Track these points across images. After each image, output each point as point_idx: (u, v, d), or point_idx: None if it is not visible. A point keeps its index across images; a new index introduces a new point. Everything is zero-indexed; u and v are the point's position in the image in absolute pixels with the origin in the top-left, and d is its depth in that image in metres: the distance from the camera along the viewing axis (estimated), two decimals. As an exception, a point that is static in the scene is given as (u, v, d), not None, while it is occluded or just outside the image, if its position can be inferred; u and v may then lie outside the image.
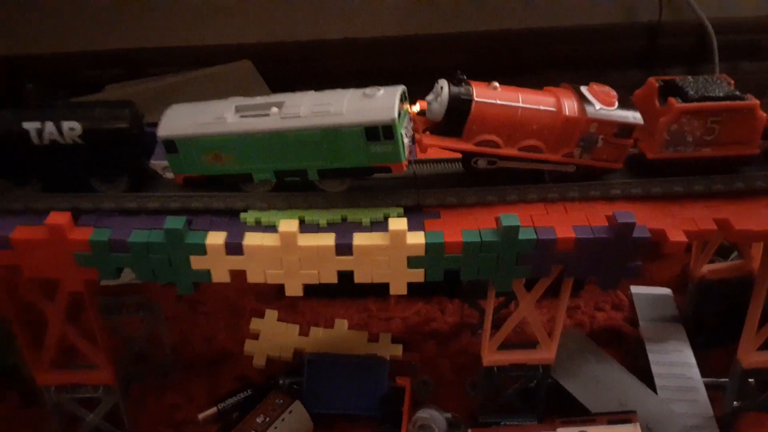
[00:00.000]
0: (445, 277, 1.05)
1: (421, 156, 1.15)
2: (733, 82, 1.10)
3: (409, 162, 1.15)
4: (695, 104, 1.05)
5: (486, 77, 1.08)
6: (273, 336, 1.50)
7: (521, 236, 1.00)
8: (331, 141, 1.00)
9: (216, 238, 1.01)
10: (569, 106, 1.05)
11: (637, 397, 1.29)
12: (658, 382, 1.34)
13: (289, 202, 1.06)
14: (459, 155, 1.10)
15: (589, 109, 1.04)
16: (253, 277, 1.04)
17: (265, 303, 1.62)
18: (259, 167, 1.04)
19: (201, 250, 1.01)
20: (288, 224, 1.01)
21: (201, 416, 1.35)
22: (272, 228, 1.03)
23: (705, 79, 1.10)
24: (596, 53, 2.21)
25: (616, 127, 1.05)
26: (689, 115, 1.05)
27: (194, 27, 2.06)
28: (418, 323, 1.57)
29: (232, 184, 1.07)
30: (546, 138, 1.05)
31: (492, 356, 1.22)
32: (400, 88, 1.01)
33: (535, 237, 1.00)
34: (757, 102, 1.06)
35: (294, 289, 1.06)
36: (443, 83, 1.04)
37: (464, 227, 1.03)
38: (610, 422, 1.18)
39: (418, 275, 1.04)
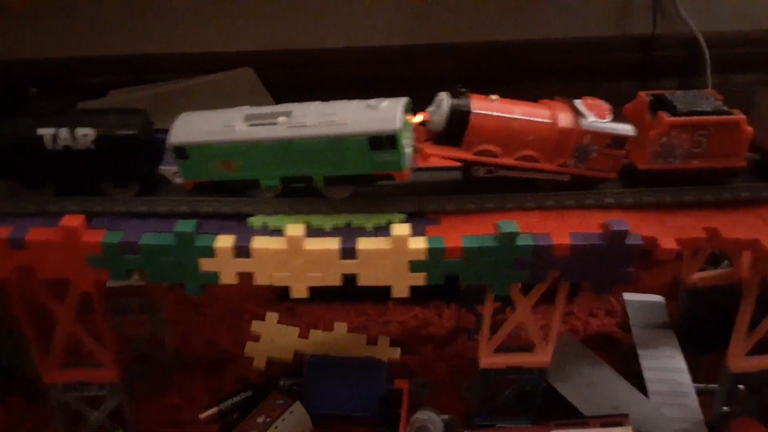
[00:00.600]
0: (443, 283, 1.08)
1: (422, 164, 1.19)
2: (721, 97, 1.14)
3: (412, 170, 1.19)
4: (684, 118, 1.09)
5: (483, 87, 1.12)
6: (273, 338, 1.53)
7: (519, 242, 1.03)
8: (336, 149, 1.03)
9: (225, 241, 1.04)
10: (564, 118, 1.09)
11: (629, 402, 1.32)
12: (649, 386, 1.37)
13: (295, 207, 1.10)
14: (459, 164, 1.14)
15: (582, 121, 1.08)
16: (260, 280, 1.07)
17: (266, 306, 1.65)
18: (266, 174, 1.08)
19: (210, 252, 1.04)
20: (294, 228, 1.04)
21: (202, 416, 1.37)
22: (279, 232, 1.06)
23: (694, 94, 1.14)
24: (590, 65, 2.24)
25: (609, 138, 1.09)
26: (678, 128, 1.10)
27: (197, 34, 2.08)
28: (416, 327, 1.60)
29: (239, 189, 1.11)
30: (542, 148, 1.09)
31: (489, 359, 1.25)
32: (404, 100, 1.05)
33: (532, 243, 1.04)
34: (744, 117, 1.11)
35: (299, 292, 1.09)
36: (443, 96, 1.08)
37: (464, 233, 1.06)
38: (603, 425, 1.21)
39: (419, 279, 1.07)
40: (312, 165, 1.06)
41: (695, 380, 1.39)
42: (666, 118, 1.09)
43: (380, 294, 1.55)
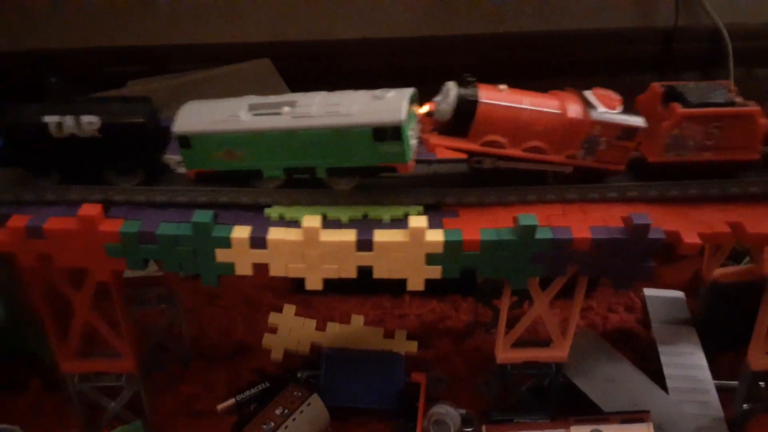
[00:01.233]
0: (460, 276, 1.07)
1: (440, 155, 1.18)
2: (735, 89, 1.12)
3: (429, 162, 1.18)
4: (697, 110, 1.07)
5: (501, 79, 1.10)
6: (290, 330, 1.53)
7: (538, 235, 1.02)
8: (340, 140, 1.02)
9: (241, 232, 1.04)
10: (573, 108, 1.07)
11: (649, 397, 1.30)
12: (669, 383, 1.36)
13: (312, 198, 1.09)
14: (464, 155, 1.12)
15: (592, 112, 1.06)
16: (275, 271, 1.07)
17: (281, 298, 1.65)
18: (270, 164, 1.07)
19: (226, 243, 1.04)
20: (311, 220, 1.03)
21: (219, 407, 1.39)
22: (295, 223, 1.06)
23: (707, 85, 1.12)
24: (612, 56, 2.22)
25: (619, 129, 1.07)
26: (691, 120, 1.07)
27: (215, 25, 2.08)
28: (433, 321, 1.59)
29: (242, 179, 1.10)
30: (550, 139, 1.08)
31: (506, 354, 1.24)
32: (410, 91, 1.04)
33: (551, 236, 1.02)
34: (758, 109, 1.08)
35: (314, 283, 1.09)
36: (450, 85, 1.06)
37: (482, 226, 1.05)
38: (624, 421, 1.20)
39: (435, 272, 1.06)
40: (315, 156, 1.05)
41: (715, 377, 1.38)
42: (679, 109, 1.07)
43: (396, 287, 1.57)
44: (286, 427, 1.25)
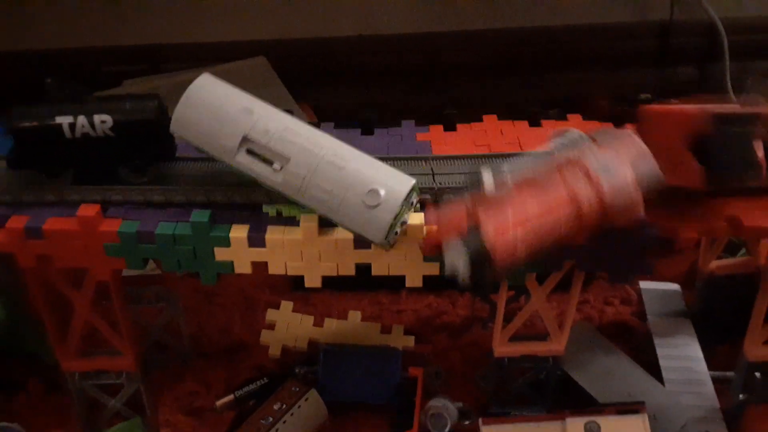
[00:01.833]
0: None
1: (436, 153, 1.19)
2: None
3: (427, 159, 1.19)
4: None
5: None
6: (288, 327, 1.54)
7: (534, 231, 1.03)
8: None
9: (239, 231, 1.05)
10: (583, 192, 0.94)
11: (645, 389, 1.32)
12: (665, 375, 1.37)
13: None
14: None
15: (603, 182, 0.94)
16: (274, 269, 1.08)
17: (279, 295, 1.66)
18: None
19: (225, 242, 1.05)
20: (309, 218, 1.04)
21: (219, 403, 1.40)
22: (293, 221, 1.06)
23: None
24: (608, 51, 2.23)
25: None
26: None
27: (210, 23, 2.09)
28: (430, 316, 1.60)
29: None
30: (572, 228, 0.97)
31: (503, 348, 1.25)
32: (406, 189, 0.99)
33: (547, 232, 1.03)
34: None
35: (313, 281, 1.10)
36: (452, 243, 0.94)
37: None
38: (619, 412, 1.21)
39: (433, 268, 1.08)
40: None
41: (711, 369, 1.39)
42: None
43: (393, 283, 1.58)
44: (284, 421, 1.26)
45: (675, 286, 1.58)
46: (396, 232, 0.99)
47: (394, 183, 0.98)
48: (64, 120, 1.04)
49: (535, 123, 1.28)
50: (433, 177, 1.14)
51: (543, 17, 2.13)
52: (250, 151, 1.01)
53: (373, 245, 1.03)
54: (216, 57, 2.06)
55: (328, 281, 1.20)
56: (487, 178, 0.96)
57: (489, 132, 1.27)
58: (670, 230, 1.04)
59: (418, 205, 1.06)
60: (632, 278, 1.47)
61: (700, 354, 1.42)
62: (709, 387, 1.36)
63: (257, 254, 1.06)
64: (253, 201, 1.10)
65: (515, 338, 1.26)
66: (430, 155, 1.19)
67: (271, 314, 1.56)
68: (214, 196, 1.09)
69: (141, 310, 1.42)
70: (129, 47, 2.09)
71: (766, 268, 1.19)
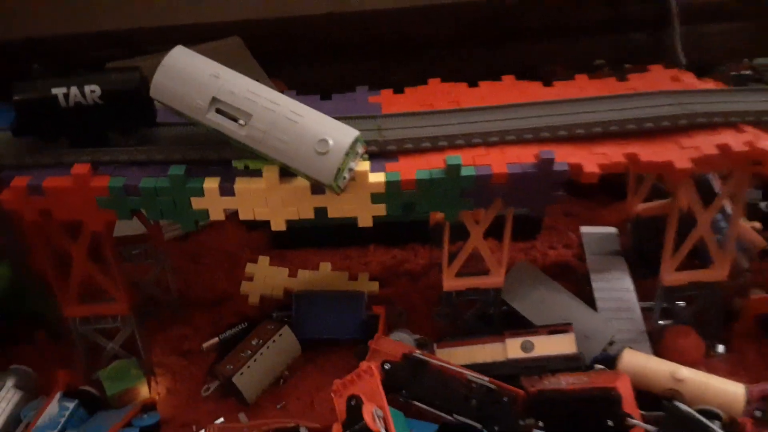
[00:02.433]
0: (416, 224, 1.22)
1: (386, 111, 1.35)
2: None
3: (375, 117, 1.35)
4: None
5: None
6: (265, 278, 1.68)
7: (463, 173, 1.20)
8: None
9: (212, 183, 1.21)
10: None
11: (578, 314, 1.47)
12: (599, 304, 1.53)
13: (271, 151, 1.26)
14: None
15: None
16: (243, 215, 1.24)
17: (259, 254, 1.81)
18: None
19: (200, 192, 1.21)
20: (271, 169, 1.21)
21: (205, 345, 1.56)
22: (258, 173, 1.23)
23: None
24: (564, 21, 2.36)
25: None
26: None
27: (187, 6, 2.20)
28: (393, 265, 1.76)
29: None
30: None
31: (450, 282, 1.42)
32: (350, 139, 1.15)
33: (474, 173, 1.20)
34: None
35: (278, 225, 1.26)
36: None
37: (418, 168, 1.23)
38: (550, 332, 1.39)
39: (380, 210, 1.24)
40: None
41: (642, 299, 1.55)
42: None
43: (363, 240, 1.74)
44: (261, 353, 1.43)
45: (612, 230, 1.72)
46: (344, 177, 1.16)
47: (339, 134, 1.15)
48: (59, 91, 1.21)
49: (473, 84, 1.44)
50: (380, 132, 1.30)
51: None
52: (219, 110, 1.17)
53: (327, 190, 1.19)
54: (193, 38, 2.16)
55: (303, 240, 1.32)
56: None
57: (433, 93, 1.43)
58: (575, 167, 1.21)
59: (366, 155, 1.23)
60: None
61: (631, 287, 1.57)
62: (638, 313, 1.52)
63: (228, 202, 1.23)
64: (223, 157, 1.25)
65: (461, 274, 1.43)
66: (379, 114, 1.35)
67: (250, 267, 1.71)
68: (190, 154, 1.26)
69: (132, 267, 1.58)
70: (109, 32, 2.21)
71: (670, 204, 1.36)
